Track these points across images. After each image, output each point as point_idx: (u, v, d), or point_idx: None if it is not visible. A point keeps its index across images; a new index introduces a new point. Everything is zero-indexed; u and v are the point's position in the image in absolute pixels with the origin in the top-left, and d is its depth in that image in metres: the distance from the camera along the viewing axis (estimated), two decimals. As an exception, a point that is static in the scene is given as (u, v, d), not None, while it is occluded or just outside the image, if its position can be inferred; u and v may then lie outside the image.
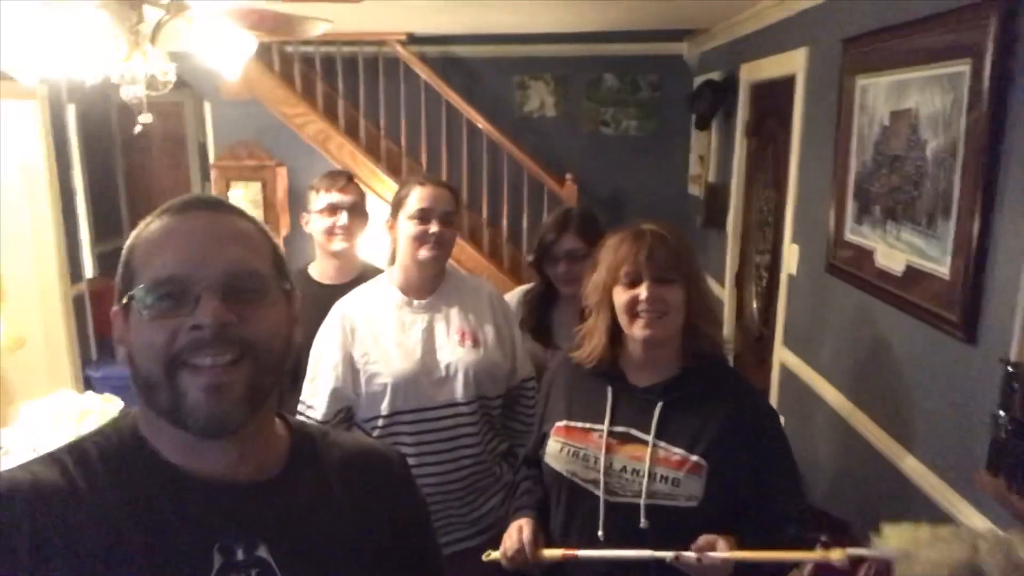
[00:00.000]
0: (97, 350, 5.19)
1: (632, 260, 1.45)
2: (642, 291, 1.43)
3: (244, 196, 4.66)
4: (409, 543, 0.96)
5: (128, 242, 0.86)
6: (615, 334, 1.52)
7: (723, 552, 1.29)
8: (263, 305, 0.83)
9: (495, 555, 1.48)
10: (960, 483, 1.71)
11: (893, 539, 1.15)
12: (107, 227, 6.38)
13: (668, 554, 1.31)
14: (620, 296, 1.47)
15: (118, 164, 6.63)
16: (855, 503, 2.30)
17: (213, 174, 4.77)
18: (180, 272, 0.80)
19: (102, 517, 0.77)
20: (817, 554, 1.26)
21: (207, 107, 4.95)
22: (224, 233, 0.84)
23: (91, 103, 5.32)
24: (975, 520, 1.63)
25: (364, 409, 1.84)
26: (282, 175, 4.76)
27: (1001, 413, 1.42)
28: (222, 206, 0.87)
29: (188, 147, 6.79)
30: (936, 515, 1.78)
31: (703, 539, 1.33)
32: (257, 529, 0.82)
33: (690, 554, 1.28)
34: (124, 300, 0.82)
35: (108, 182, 6.46)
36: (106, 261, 6.34)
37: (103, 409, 2.79)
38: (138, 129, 2.00)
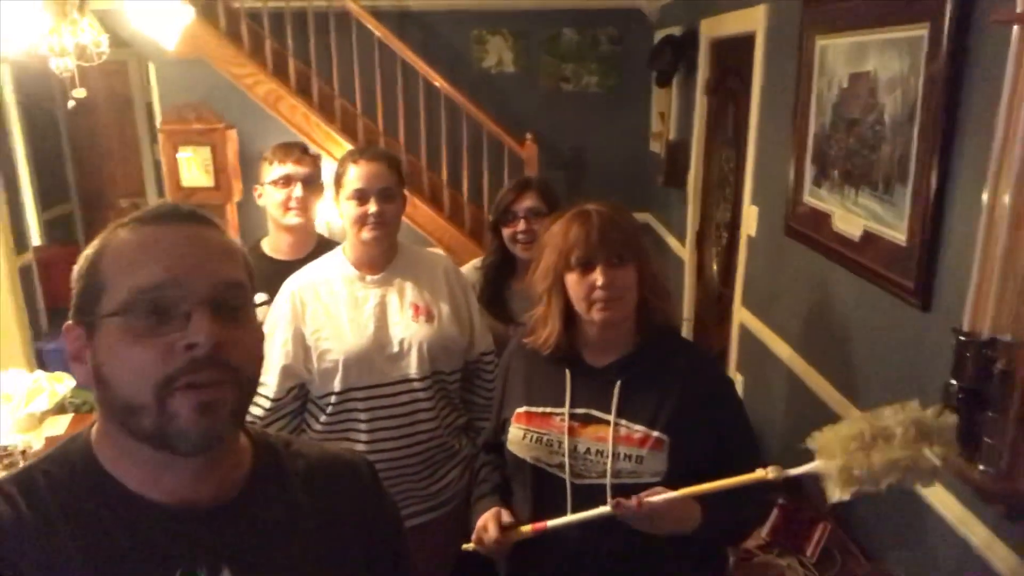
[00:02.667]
0: (48, 322, 5.06)
1: (583, 244, 1.42)
2: (597, 277, 1.40)
3: (194, 160, 4.51)
4: (381, 552, 0.95)
5: (89, 252, 0.80)
6: (569, 316, 1.49)
7: (662, 496, 1.31)
8: (245, 321, 0.80)
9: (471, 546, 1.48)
10: (913, 447, 1.74)
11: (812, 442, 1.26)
12: (54, 192, 6.17)
13: (608, 506, 1.32)
14: (574, 283, 1.44)
15: (62, 126, 6.39)
16: (810, 463, 2.34)
17: (160, 137, 4.61)
18: (167, 285, 0.75)
19: (53, 551, 0.74)
20: (755, 475, 1.31)
21: (151, 67, 4.75)
22: (209, 245, 0.80)
23: (28, 62, 5.08)
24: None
25: (317, 386, 1.81)
26: (232, 138, 4.60)
27: (952, 382, 1.43)
28: (201, 217, 0.82)
29: (135, 108, 6.55)
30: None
31: (646, 492, 1.34)
32: (220, 553, 0.79)
33: (630, 502, 1.30)
34: (89, 317, 0.77)
35: (52, 145, 6.23)
36: (54, 228, 6.15)
37: (53, 389, 2.72)
38: (71, 104, 1.90)
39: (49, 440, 2.44)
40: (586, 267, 1.42)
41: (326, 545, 0.87)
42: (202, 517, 0.80)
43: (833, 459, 1.19)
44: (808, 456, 1.30)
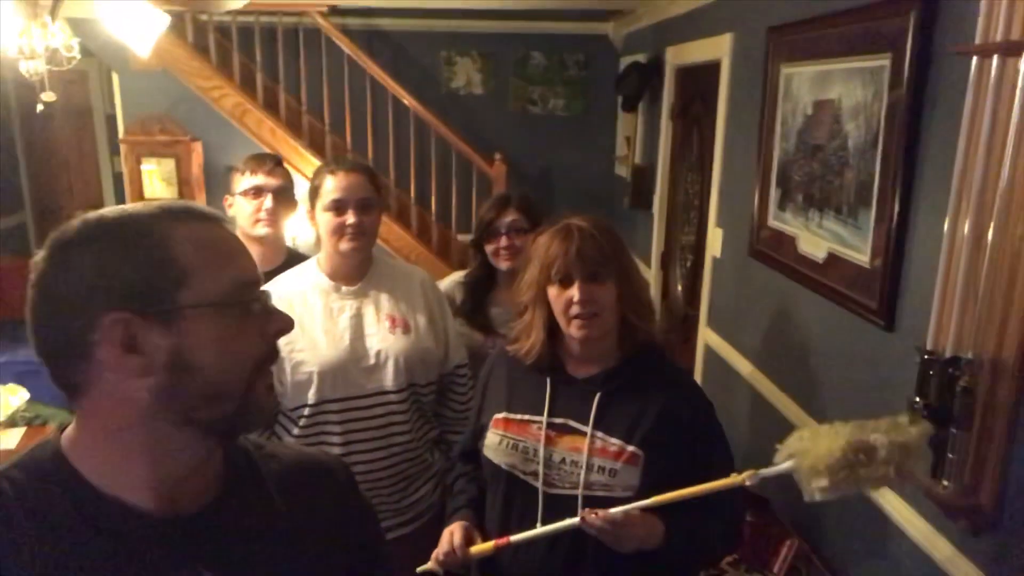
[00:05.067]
0: (-2, 334, 4.89)
1: (562, 259, 1.44)
2: (575, 292, 1.43)
3: (156, 173, 4.44)
4: (359, 554, 0.94)
5: (146, 241, 0.74)
6: (552, 329, 1.51)
7: (621, 508, 1.32)
8: None
9: (428, 566, 1.45)
10: (876, 464, 1.78)
11: (787, 449, 1.25)
12: (8, 202, 6.00)
13: (574, 520, 1.33)
14: (555, 297, 1.47)
15: (17, 134, 6.24)
16: (776, 482, 2.37)
17: (123, 149, 4.53)
18: (256, 279, 0.82)
19: (24, 562, 0.71)
20: (726, 481, 1.31)
21: (115, 78, 4.68)
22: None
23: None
24: (891, 500, 1.70)
25: (290, 398, 1.78)
26: (197, 151, 4.55)
27: (916, 399, 1.48)
28: (231, 223, 0.89)
29: (95, 119, 6.43)
30: (855, 495, 1.85)
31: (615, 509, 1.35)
32: (200, 558, 0.78)
33: (594, 518, 1.31)
34: (162, 307, 0.73)
35: (6, 154, 6.07)
36: (6, 238, 5.97)
37: (6, 401, 2.63)
38: (40, 108, 1.86)
39: (0, 453, 2.36)
40: (565, 282, 1.44)
41: (304, 547, 0.86)
42: (181, 522, 0.78)
43: (810, 463, 1.21)
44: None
